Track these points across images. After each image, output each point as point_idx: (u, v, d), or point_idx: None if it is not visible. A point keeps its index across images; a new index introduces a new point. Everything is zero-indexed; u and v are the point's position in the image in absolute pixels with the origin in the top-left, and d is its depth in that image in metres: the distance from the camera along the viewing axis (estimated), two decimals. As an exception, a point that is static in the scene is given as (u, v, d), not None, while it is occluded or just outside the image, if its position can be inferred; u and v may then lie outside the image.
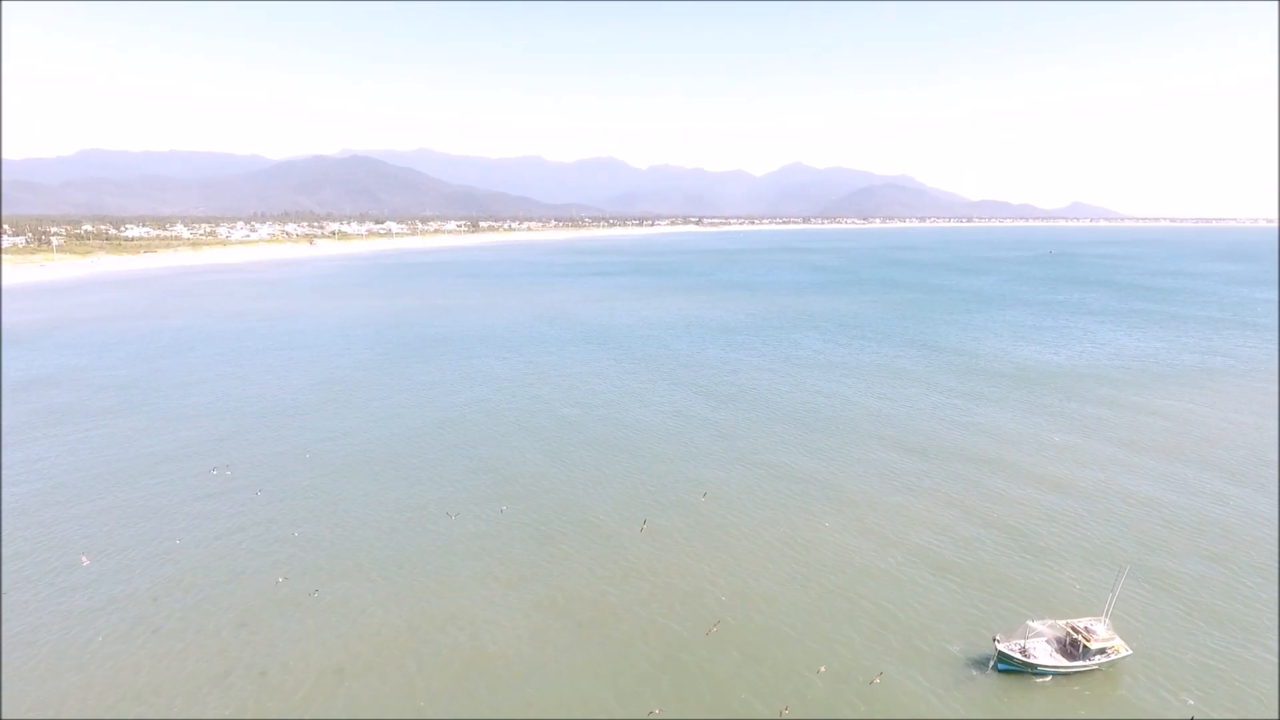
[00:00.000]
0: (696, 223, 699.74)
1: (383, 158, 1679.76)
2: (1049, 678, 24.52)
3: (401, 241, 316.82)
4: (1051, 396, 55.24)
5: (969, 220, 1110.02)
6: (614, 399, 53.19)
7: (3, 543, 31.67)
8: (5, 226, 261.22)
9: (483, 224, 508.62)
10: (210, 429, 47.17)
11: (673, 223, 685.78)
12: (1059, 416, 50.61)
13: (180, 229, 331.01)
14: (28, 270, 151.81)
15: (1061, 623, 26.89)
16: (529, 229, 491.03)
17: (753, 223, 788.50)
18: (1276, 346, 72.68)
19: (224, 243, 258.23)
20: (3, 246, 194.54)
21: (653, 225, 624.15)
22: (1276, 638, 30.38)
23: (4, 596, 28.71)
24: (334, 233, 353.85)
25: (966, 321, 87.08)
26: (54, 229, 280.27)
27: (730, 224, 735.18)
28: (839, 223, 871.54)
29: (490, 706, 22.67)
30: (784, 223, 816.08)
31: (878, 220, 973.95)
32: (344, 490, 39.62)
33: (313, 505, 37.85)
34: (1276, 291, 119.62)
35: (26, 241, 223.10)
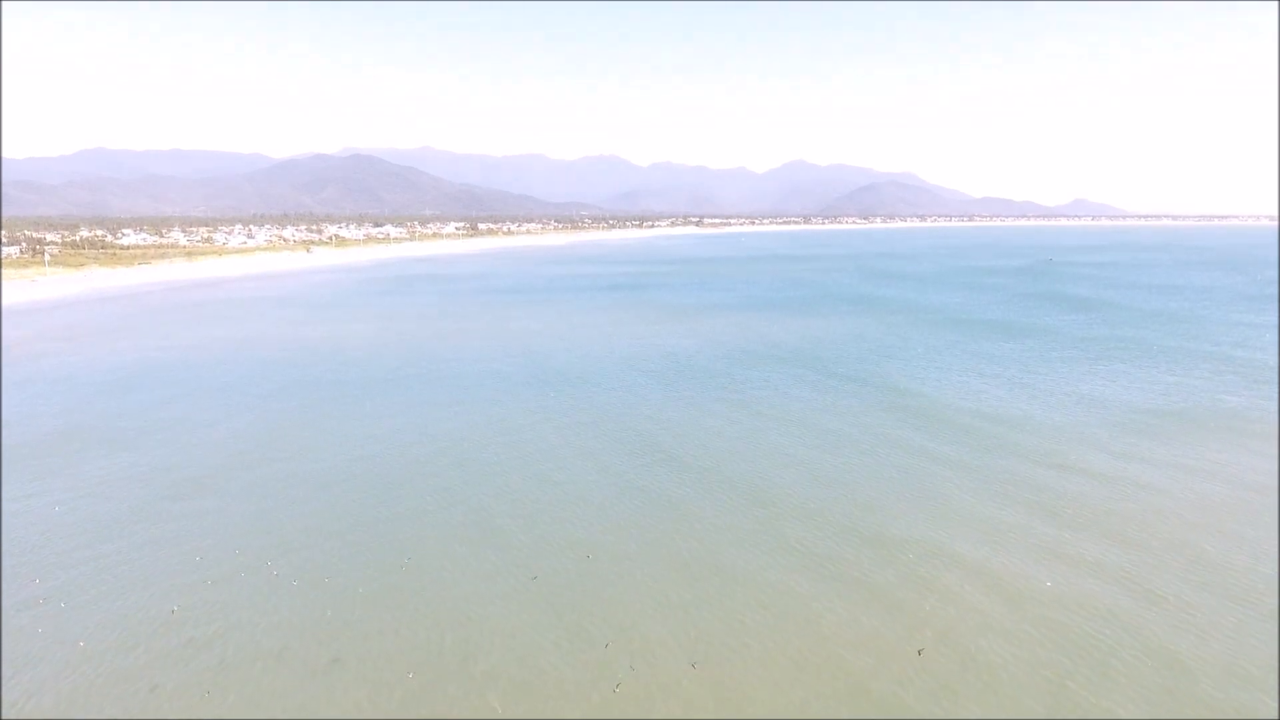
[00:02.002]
0: (697, 223, 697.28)
1: (385, 156, 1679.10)
2: None
3: (399, 248, 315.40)
4: (1018, 463, 47.24)
5: (971, 219, 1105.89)
6: (531, 462, 47.22)
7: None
8: (3, 235, 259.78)
9: (482, 226, 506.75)
10: (68, 529, 37.49)
11: (673, 223, 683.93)
12: (1023, 488, 43.27)
13: (177, 235, 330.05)
14: (18, 287, 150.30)
15: None
16: (528, 232, 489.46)
17: (753, 223, 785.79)
18: (1277, 391, 65.91)
19: (219, 251, 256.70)
20: (2, 259, 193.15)
21: (653, 227, 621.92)
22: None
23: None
24: (332, 237, 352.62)
25: (934, 356, 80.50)
26: (49, 237, 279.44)
27: (731, 224, 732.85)
28: (840, 223, 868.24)
29: None
30: (785, 223, 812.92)
31: (879, 220, 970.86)
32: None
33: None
34: (1276, 312, 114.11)
35: (21, 251, 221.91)
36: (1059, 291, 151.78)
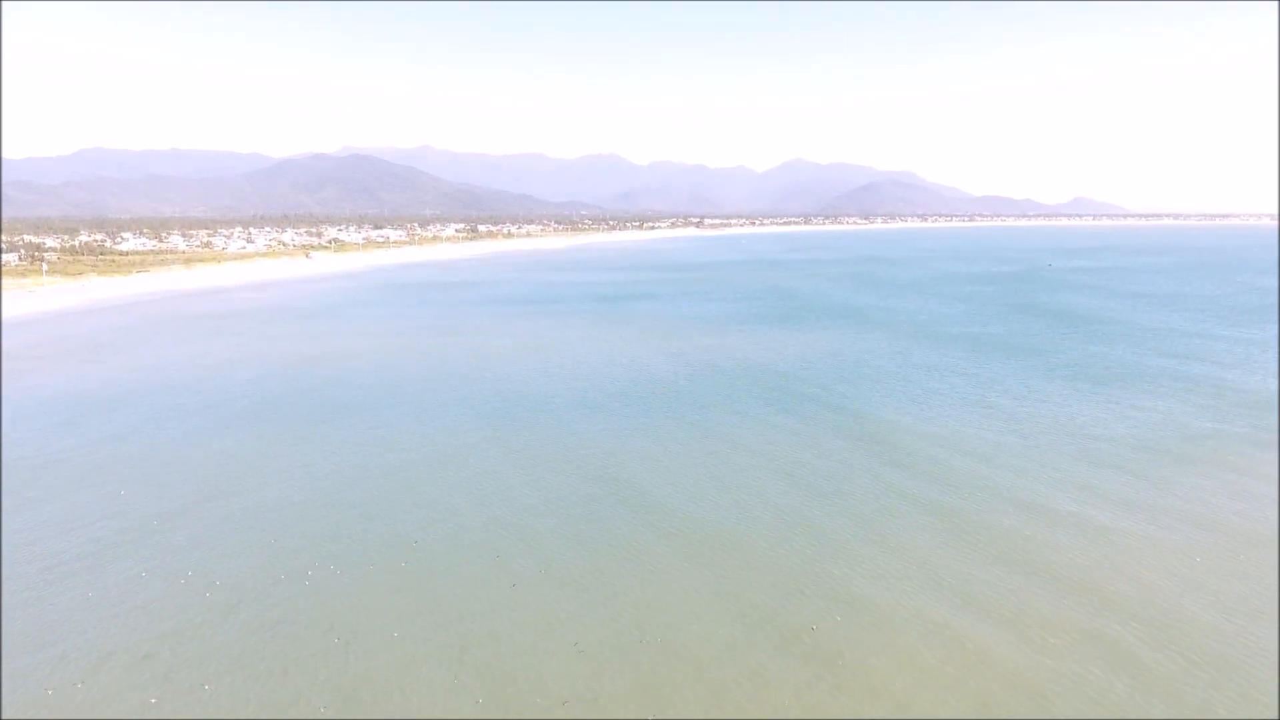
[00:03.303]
0: (697, 225, 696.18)
1: (384, 155, 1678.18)
2: None
3: (398, 252, 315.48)
4: (989, 503, 44.13)
5: (971, 219, 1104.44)
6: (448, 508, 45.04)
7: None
8: (2, 242, 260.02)
9: (482, 228, 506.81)
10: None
11: (673, 224, 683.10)
12: (991, 533, 40.28)
13: (177, 240, 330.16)
14: (16, 298, 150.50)
15: None
16: (528, 234, 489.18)
17: (754, 223, 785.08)
18: (1278, 422, 60.54)
19: (218, 258, 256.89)
20: (1, 268, 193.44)
21: (653, 228, 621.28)
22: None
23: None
24: (331, 241, 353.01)
25: (911, 379, 77.03)
26: (49, 242, 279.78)
27: (731, 225, 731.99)
28: (841, 223, 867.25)
29: None
30: (785, 223, 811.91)
31: (880, 220, 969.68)
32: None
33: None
34: (1277, 326, 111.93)
35: (20, 258, 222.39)
36: (1053, 304, 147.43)
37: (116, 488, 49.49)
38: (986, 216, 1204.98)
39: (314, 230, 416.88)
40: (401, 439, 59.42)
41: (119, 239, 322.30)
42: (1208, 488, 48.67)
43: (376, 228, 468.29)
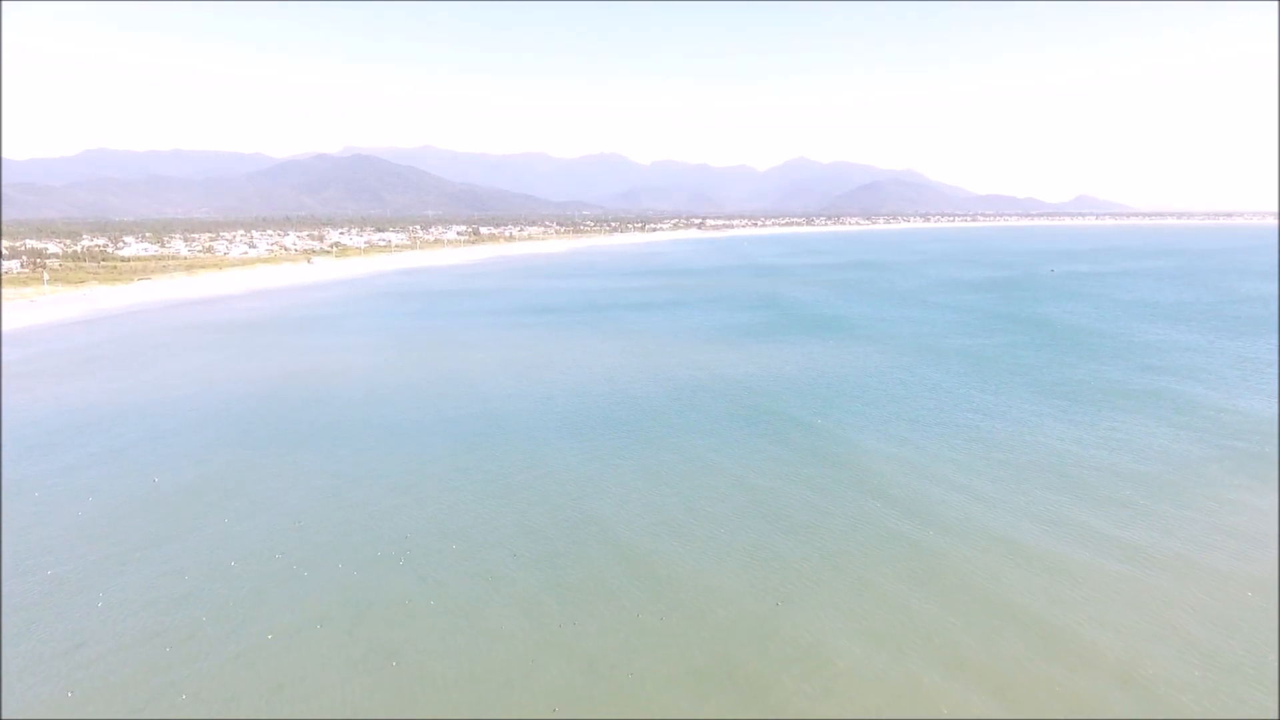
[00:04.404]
0: (699, 226, 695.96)
1: (386, 155, 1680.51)
2: None
3: (399, 257, 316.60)
4: (957, 546, 42.91)
5: (974, 218, 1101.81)
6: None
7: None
8: (4, 249, 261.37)
9: (484, 231, 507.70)
10: None
11: (676, 225, 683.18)
12: (959, 580, 39.49)
13: (179, 245, 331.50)
14: (17, 309, 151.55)
15: None
16: (529, 237, 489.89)
17: (756, 224, 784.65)
18: (1278, 454, 57.96)
19: (219, 264, 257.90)
20: (2, 276, 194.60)
21: (655, 230, 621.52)
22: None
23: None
24: (333, 245, 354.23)
25: (890, 401, 75.57)
26: (51, 247, 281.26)
27: (734, 226, 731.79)
28: (843, 223, 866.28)
29: None
30: (787, 224, 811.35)
31: (882, 220, 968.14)
32: None
33: None
34: (1276, 340, 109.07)
35: (22, 265, 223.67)
36: (1049, 316, 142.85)
37: (56, 530, 48.30)
38: (989, 216, 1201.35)
39: (316, 234, 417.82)
40: (368, 474, 57.81)
41: (121, 244, 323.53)
42: (1200, 525, 46.42)
43: (379, 230, 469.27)
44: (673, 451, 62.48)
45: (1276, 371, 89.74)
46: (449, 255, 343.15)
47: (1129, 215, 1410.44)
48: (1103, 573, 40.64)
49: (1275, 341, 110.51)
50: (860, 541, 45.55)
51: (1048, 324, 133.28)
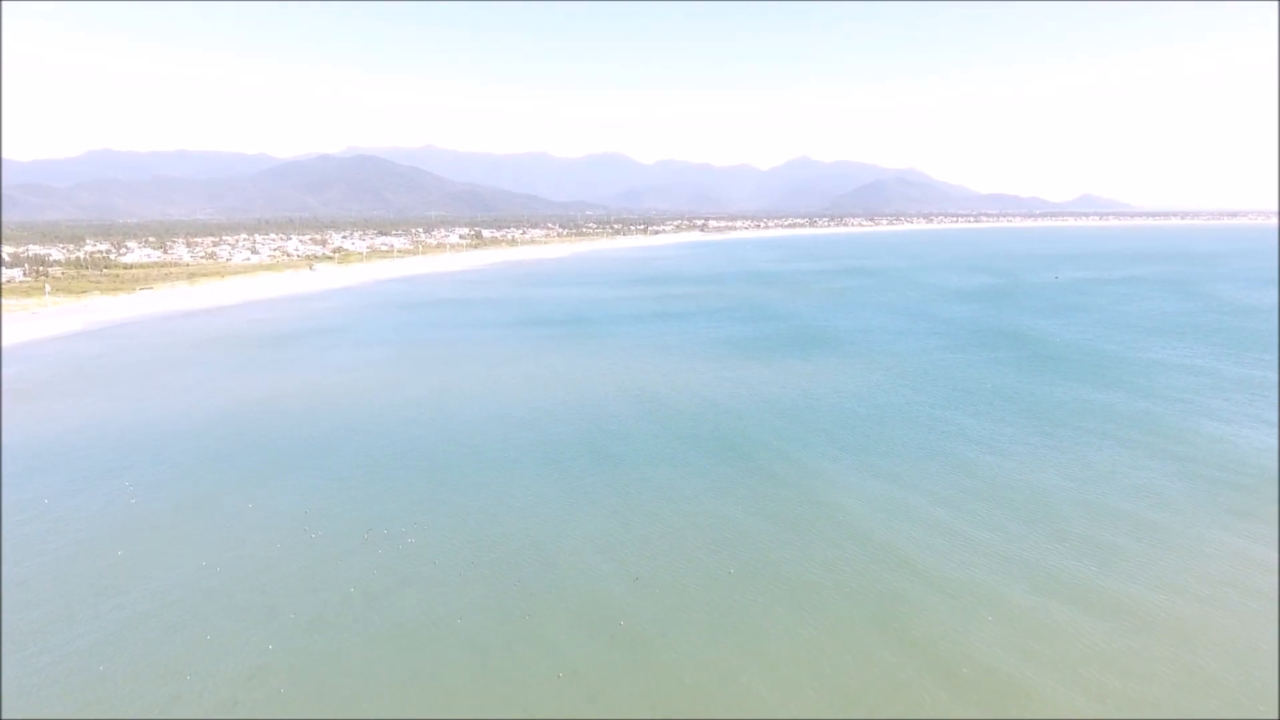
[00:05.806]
0: (701, 228, 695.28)
1: (389, 156, 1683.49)
2: None
3: (401, 263, 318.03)
4: (924, 594, 42.51)
5: (977, 219, 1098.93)
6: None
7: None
8: (5, 255, 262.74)
9: (486, 234, 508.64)
10: None
11: (678, 227, 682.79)
12: (922, 630, 38.93)
13: (181, 250, 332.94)
14: (18, 321, 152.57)
15: None
16: (531, 240, 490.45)
17: (758, 225, 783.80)
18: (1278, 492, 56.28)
19: (221, 271, 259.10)
20: (2, 286, 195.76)
21: (658, 232, 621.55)
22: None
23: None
24: (336, 250, 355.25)
25: (865, 428, 73.17)
26: (53, 254, 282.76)
27: (736, 227, 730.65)
28: (845, 224, 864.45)
29: None
30: (789, 225, 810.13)
31: (885, 221, 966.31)
32: None
33: None
34: (1276, 358, 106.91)
35: (24, 274, 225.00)
36: (1046, 333, 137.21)
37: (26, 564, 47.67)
38: (993, 216, 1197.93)
39: (319, 238, 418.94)
40: (333, 508, 56.66)
41: (123, 249, 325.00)
42: (1185, 574, 44.09)
43: (381, 233, 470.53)
44: (646, 488, 60.86)
45: (1276, 397, 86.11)
46: (450, 261, 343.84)
47: (1133, 215, 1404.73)
48: (1087, 630, 38.57)
49: (1275, 358, 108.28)
50: (815, 583, 44.16)
51: (1043, 341, 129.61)
